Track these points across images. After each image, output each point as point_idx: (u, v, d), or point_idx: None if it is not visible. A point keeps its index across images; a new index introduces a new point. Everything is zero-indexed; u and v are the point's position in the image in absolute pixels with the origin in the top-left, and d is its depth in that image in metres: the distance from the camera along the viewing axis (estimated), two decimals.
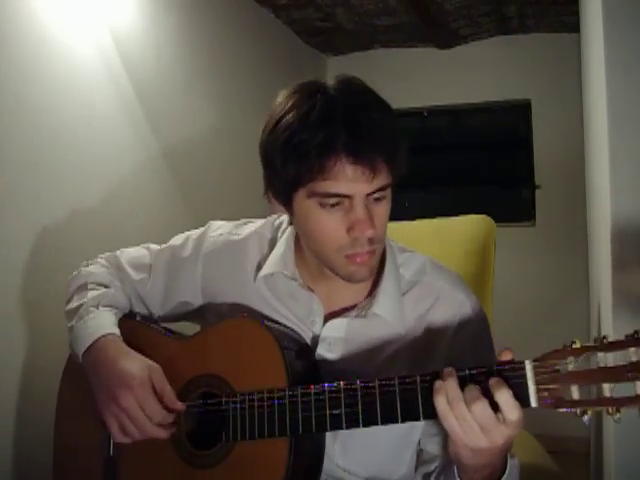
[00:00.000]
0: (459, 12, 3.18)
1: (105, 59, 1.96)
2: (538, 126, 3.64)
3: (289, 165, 0.94)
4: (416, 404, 0.89)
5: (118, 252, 1.27)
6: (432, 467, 1.07)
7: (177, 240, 1.24)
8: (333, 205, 0.95)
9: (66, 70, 1.78)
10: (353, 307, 1.09)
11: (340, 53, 3.86)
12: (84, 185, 1.84)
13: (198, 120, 2.50)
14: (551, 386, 0.81)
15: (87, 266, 1.25)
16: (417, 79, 3.72)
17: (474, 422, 0.83)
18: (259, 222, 1.21)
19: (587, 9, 1.96)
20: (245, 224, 1.22)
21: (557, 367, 0.81)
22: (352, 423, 0.93)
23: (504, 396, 0.81)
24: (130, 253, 1.26)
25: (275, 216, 1.21)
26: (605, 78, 1.23)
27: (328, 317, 1.09)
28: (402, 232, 1.36)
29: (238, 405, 1.01)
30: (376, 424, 0.92)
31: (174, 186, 2.33)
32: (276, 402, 0.97)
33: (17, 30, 1.61)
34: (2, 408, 1.54)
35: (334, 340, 1.07)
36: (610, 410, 0.77)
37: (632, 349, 0.77)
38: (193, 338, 1.13)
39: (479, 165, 3.88)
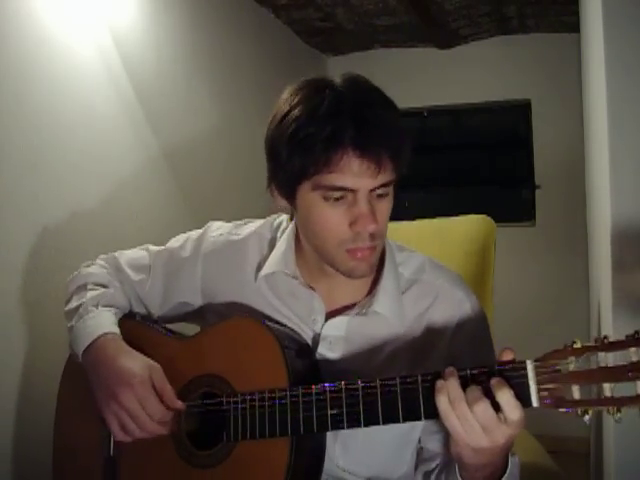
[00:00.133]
0: (459, 12, 3.17)
1: (105, 59, 1.96)
2: (538, 126, 3.64)
3: (295, 158, 0.95)
4: (417, 404, 0.89)
5: (117, 253, 1.27)
6: (433, 465, 1.07)
7: (176, 241, 1.24)
8: (337, 199, 0.96)
9: (66, 70, 1.78)
10: (353, 305, 1.09)
11: (340, 53, 3.86)
12: (84, 186, 1.84)
13: (198, 120, 2.50)
14: (552, 386, 0.81)
15: (87, 267, 1.25)
16: (417, 79, 3.72)
17: (476, 422, 0.83)
18: (258, 222, 1.22)
19: (587, 9, 1.96)
20: (244, 224, 1.22)
21: (558, 367, 0.81)
22: (353, 423, 0.93)
23: (505, 396, 0.82)
24: (129, 254, 1.26)
25: (274, 216, 1.21)
26: (605, 78, 1.23)
27: (329, 315, 1.09)
28: (402, 232, 1.36)
29: (239, 405, 1.01)
30: (377, 424, 0.92)
31: (174, 187, 2.33)
32: (277, 402, 0.97)
33: (17, 30, 1.61)
34: (2, 408, 1.54)
35: (335, 339, 1.07)
36: (611, 410, 0.77)
37: (632, 349, 0.77)
38: (193, 338, 1.13)
39: (479, 165, 3.88)
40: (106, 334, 1.09)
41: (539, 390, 0.82)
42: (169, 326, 1.22)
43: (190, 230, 1.26)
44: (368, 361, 1.06)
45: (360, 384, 0.93)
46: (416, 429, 1.07)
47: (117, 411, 1.02)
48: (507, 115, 3.83)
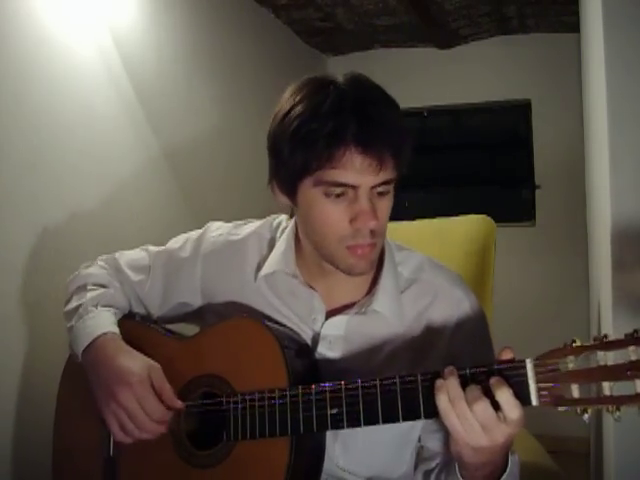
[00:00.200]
0: (459, 12, 3.17)
1: (105, 59, 1.96)
2: (538, 126, 3.64)
3: (297, 153, 0.95)
4: (417, 403, 0.90)
5: (117, 254, 1.27)
6: (433, 464, 1.07)
7: (176, 242, 1.24)
8: (338, 195, 0.96)
9: (65, 70, 1.78)
10: (353, 305, 1.09)
11: (340, 53, 3.86)
12: (84, 186, 1.84)
13: (198, 121, 2.50)
14: (551, 385, 0.81)
15: (86, 268, 1.25)
16: (417, 79, 3.72)
17: (475, 421, 0.83)
18: (257, 222, 1.22)
19: (587, 9, 1.96)
20: (244, 225, 1.22)
21: (557, 366, 0.82)
22: (353, 422, 0.93)
23: (505, 395, 0.82)
24: (129, 255, 1.26)
25: (274, 216, 1.22)
26: (605, 78, 1.23)
27: (328, 315, 1.09)
28: (402, 232, 1.36)
29: (239, 405, 1.01)
30: (377, 423, 0.92)
31: (174, 187, 2.33)
32: (277, 402, 0.97)
33: (17, 30, 1.60)
34: (2, 409, 1.54)
35: (334, 338, 1.07)
36: (610, 408, 0.77)
37: (631, 348, 0.77)
38: (193, 338, 1.13)
39: (479, 165, 3.88)
40: (106, 334, 1.10)
41: (538, 389, 0.82)
42: (169, 326, 1.22)
43: (190, 230, 1.26)
44: (368, 360, 1.06)
45: (360, 383, 0.93)
46: (416, 428, 1.07)
47: (116, 410, 1.02)
48: (507, 115, 3.83)
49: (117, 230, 1.95)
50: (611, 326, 1.22)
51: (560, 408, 0.81)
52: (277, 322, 1.09)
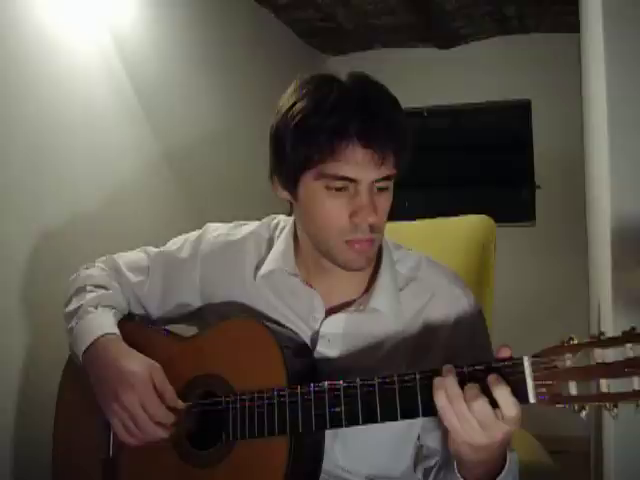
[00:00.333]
0: (459, 12, 3.18)
1: (105, 59, 1.96)
2: (538, 126, 3.64)
3: (299, 147, 0.96)
4: (415, 401, 0.90)
5: (116, 255, 1.27)
6: (432, 462, 1.08)
7: (174, 243, 1.24)
8: (339, 189, 0.97)
9: (66, 71, 1.78)
10: (352, 303, 1.10)
11: (340, 53, 3.86)
12: (84, 187, 1.84)
13: (199, 121, 2.50)
14: (549, 382, 0.82)
15: (86, 269, 1.25)
16: (417, 79, 3.71)
17: (473, 419, 0.83)
18: (256, 223, 1.22)
19: (587, 9, 1.96)
20: (242, 225, 1.23)
21: (555, 363, 0.82)
22: (352, 421, 0.93)
23: (503, 393, 0.82)
24: (128, 256, 1.27)
25: (272, 217, 1.22)
26: (605, 78, 1.23)
27: (327, 313, 1.09)
28: (402, 232, 1.36)
29: (238, 405, 1.01)
30: (376, 422, 0.92)
31: (174, 188, 2.33)
32: (276, 401, 0.98)
33: (17, 30, 1.61)
34: (2, 409, 1.54)
35: (333, 337, 1.08)
36: (608, 406, 0.78)
37: (629, 345, 0.77)
38: (193, 339, 1.13)
39: (479, 165, 3.87)
40: (106, 334, 1.10)
41: (536, 386, 0.82)
42: (168, 327, 1.22)
43: (190, 231, 1.26)
44: (366, 359, 1.07)
45: (358, 382, 0.93)
46: (415, 426, 1.08)
47: (118, 411, 1.02)
48: (507, 115, 3.84)
49: (117, 231, 1.95)
50: (611, 326, 1.22)
51: (558, 405, 0.81)
52: (276, 322, 1.10)
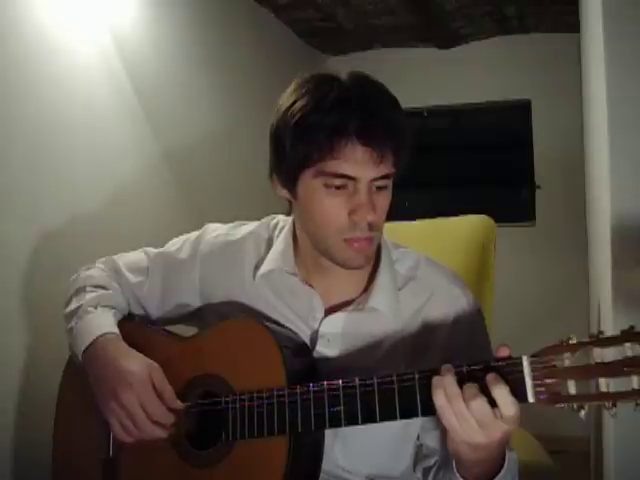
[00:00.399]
0: (459, 12, 3.18)
1: (105, 59, 1.96)
2: (538, 126, 3.64)
3: (299, 145, 0.97)
4: (414, 401, 0.90)
5: (116, 256, 1.28)
6: (432, 462, 1.08)
7: (174, 244, 1.25)
8: (338, 187, 0.98)
9: (66, 71, 1.78)
10: (351, 302, 1.10)
11: (340, 53, 3.86)
12: (84, 188, 1.84)
13: (199, 121, 2.50)
14: (548, 381, 0.82)
15: (85, 270, 1.25)
16: (417, 79, 3.71)
17: (472, 418, 0.83)
18: (255, 223, 1.23)
19: (587, 9, 1.96)
20: (241, 225, 1.23)
21: (554, 363, 0.82)
22: (351, 421, 0.93)
23: (501, 392, 0.82)
24: (128, 257, 1.27)
25: (271, 216, 1.22)
26: (605, 78, 1.23)
27: (327, 312, 1.09)
28: (402, 232, 1.36)
29: (237, 404, 1.01)
30: (375, 421, 0.92)
31: (174, 188, 2.33)
32: (275, 401, 0.98)
33: (17, 30, 1.61)
34: (2, 409, 1.54)
35: (332, 336, 1.08)
36: (607, 405, 0.78)
37: (627, 344, 0.77)
38: (192, 339, 1.13)
39: (479, 165, 3.88)
40: (106, 334, 1.10)
41: (535, 386, 0.82)
42: (168, 327, 1.22)
43: (189, 231, 1.26)
44: (365, 358, 1.07)
45: (357, 382, 0.93)
46: (415, 426, 1.08)
47: (117, 411, 1.02)
48: (507, 115, 3.84)
49: (117, 231, 1.95)
50: (611, 325, 1.22)
51: (557, 405, 0.81)
52: (276, 321, 1.10)
